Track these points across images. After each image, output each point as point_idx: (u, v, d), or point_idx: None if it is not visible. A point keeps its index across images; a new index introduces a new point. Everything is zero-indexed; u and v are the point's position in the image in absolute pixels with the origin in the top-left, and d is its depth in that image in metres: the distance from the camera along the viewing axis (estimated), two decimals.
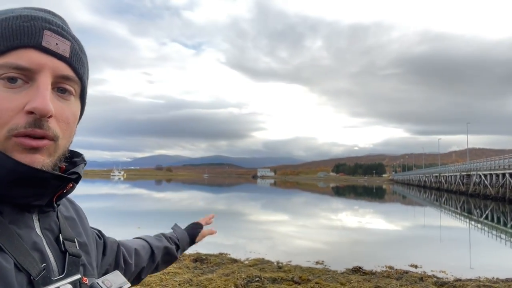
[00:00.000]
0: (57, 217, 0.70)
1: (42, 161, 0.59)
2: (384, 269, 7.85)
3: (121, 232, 11.68)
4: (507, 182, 31.40)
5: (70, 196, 0.76)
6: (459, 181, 46.07)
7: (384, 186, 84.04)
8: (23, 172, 0.57)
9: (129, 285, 0.68)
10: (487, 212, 23.01)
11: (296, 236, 12.59)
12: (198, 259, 7.94)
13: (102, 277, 0.64)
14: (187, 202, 29.14)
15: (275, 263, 8.06)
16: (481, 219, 19.39)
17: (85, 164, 0.71)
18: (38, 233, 0.63)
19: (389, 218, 20.07)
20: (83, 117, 0.72)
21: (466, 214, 22.27)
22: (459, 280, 6.98)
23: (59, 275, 0.62)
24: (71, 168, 0.68)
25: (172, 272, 6.47)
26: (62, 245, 0.66)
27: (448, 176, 53.55)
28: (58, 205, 0.69)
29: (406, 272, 7.53)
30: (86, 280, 0.66)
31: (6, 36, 0.57)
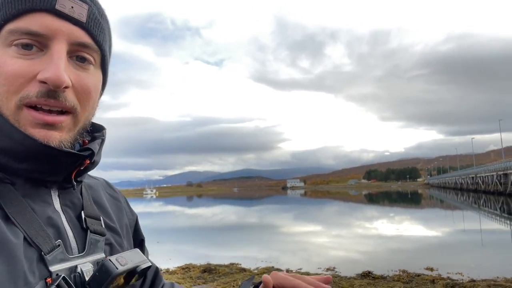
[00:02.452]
0: (81, 194, 0.67)
1: (59, 137, 0.57)
2: (397, 273, 7.81)
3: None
4: None
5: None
6: (496, 181, 44.23)
7: (419, 191, 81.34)
8: (31, 147, 0.54)
9: (149, 264, 0.59)
10: None
11: (325, 246, 12.58)
12: (207, 269, 8.13)
13: (117, 254, 0.57)
14: (219, 217, 29.57)
15: (284, 271, 8.18)
16: None
17: (103, 140, 0.67)
18: (56, 209, 0.60)
19: (424, 224, 19.53)
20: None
21: (506, 216, 21.39)
22: (473, 281, 6.91)
23: (79, 253, 0.59)
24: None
25: (175, 282, 6.85)
26: (84, 222, 0.62)
27: (485, 177, 51.37)
28: (80, 182, 0.66)
29: (418, 275, 7.49)
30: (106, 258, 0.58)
31: None
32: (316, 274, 7.73)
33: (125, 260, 0.56)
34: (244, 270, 8.26)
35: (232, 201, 61.73)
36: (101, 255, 0.62)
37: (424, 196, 56.77)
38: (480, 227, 17.56)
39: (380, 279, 7.31)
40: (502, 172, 43.27)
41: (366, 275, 7.55)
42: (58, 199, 0.61)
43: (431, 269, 8.07)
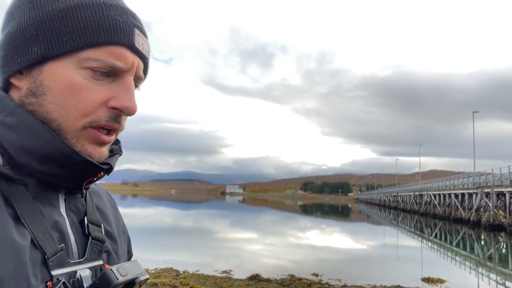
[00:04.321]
0: (85, 200, 0.68)
1: (106, 154, 0.61)
2: (285, 277, 8.50)
3: None
4: (452, 202, 33.62)
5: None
6: (413, 200, 48.45)
7: (349, 205, 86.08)
8: (77, 161, 0.56)
9: (147, 276, 0.60)
10: (436, 231, 24.65)
11: (257, 253, 13.09)
12: None
13: (118, 265, 0.57)
14: (153, 218, 28.91)
15: (181, 272, 8.59)
16: (431, 238, 20.81)
17: (120, 155, 0.69)
18: (61, 212, 0.60)
19: (349, 236, 21.02)
20: None
21: (418, 233, 23.74)
22: (345, 286, 7.95)
23: (79, 259, 0.59)
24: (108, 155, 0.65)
25: None
26: (86, 228, 0.63)
27: (404, 196, 55.98)
28: (87, 189, 0.68)
29: (300, 279, 8.31)
30: (108, 268, 0.57)
31: (103, 29, 0.56)
32: (208, 276, 8.14)
33: (126, 271, 0.56)
34: None
35: (168, 204, 60.32)
36: (100, 262, 0.62)
37: (353, 210, 60.34)
38: (397, 242, 19.39)
39: (265, 281, 8.02)
40: (418, 193, 47.65)
41: (254, 277, 8.25)
42: (64, 203, 0.62)
43: (316, 275, 8.93)
